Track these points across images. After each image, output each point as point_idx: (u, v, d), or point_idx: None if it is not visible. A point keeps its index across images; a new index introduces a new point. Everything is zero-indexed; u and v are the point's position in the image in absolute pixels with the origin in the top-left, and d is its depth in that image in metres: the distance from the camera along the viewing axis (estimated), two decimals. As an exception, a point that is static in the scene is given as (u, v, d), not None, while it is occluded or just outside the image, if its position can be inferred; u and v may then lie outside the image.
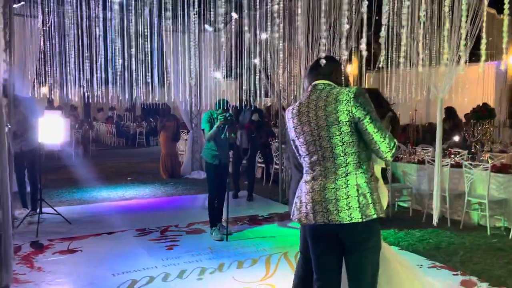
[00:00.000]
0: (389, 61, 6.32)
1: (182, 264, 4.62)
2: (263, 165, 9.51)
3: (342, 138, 2.33)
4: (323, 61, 2.45)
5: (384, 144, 2.30)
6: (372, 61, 6.35)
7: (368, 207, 2.29)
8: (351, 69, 12.58)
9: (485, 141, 6.43)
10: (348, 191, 2.31)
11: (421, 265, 4.53)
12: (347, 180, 2.32)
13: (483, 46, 2.36)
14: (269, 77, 8.32)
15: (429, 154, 7.44)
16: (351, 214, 2.28)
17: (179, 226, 6.05)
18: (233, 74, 9.15)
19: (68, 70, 7.70)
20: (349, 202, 2.29)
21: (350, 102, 2.30)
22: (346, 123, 2.31)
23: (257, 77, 7.69)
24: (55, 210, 6.24)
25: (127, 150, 17.19)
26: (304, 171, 2.52)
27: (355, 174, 2.32)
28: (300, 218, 2.46)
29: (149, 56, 7.32)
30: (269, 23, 7.01)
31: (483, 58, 2.34)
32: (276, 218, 6.53)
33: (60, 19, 7.58)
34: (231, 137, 5.68)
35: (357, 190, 2.30)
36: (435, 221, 5.56)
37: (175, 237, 5.57)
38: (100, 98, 8.59)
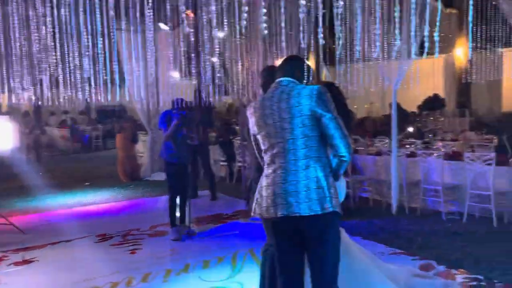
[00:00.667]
0: (345, 55, 6.46)
1: (146, 267, 4.53)
2: (225, 164, 9.46)
3: (304, 131, 2.38)
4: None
5: (343, 141, 2.38)
6: (328, 55, 6.46)
7: (325, 200, 2.35)
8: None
9: (437, 131, 6.69)
10: (308, 183, 2.35)
11: (383, 253, 4.65)
12: (307, 173, 2.37)
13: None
14: (228, 75, 8.31)
15: (386, 145, 7.67)
16: (311, 206, 2.33)
17: (141, 230, 5.92)
18: (191, 73, 9.06)
19: (14, 73, 7.33)
20: (309, 194, 2.34)
21: (313, 98, 2.38)
22: (308, 117, 2.38)
23: (216, 75, 7.67)
24: (7, 220, 5.95)
25: (83, 155, 16.63)
26: (265, 165, 2.53)
27: (315, 167, 2.38)
28: (261, 213, 2.47)
29: (103, 56, 7.12)
30: (225, 20, 7.01)
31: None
32: (240, 215, 6.52)
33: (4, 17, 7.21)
34: (189, 136, 5.62)
35: (316, 182, 2.35)
36: (393, 209, 5.74)
37: (137, 241, 5.44)
38: (49, 101, 8.25)
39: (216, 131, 10.85)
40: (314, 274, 2.46)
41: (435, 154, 6.21)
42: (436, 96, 6.52)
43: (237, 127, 12.09)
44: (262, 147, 2.54)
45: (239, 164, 9.01)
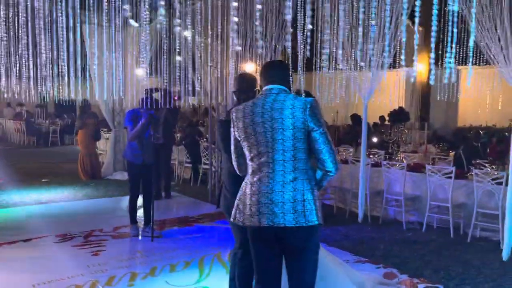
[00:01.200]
0: (313, 64, 6.57)
1: (110, 270, 4.41)
2: (190, 165, 9.37)
3: (295, 144, 2.40)
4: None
5: (332, 157, 2.43)
6: (297, 63, 6.53)
7: (312, 213, 2.39)
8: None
9: (401, 142, 6.93)
10: (295, 195, 2.38)
11: (347, 260, 4.75)
12: (295, 185, 2.39)
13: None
14: (198, 76, 8.24)
15: (350, 154, 7.86)
16: (296, 218, 2.36)
17: (104, 231, 5.76)
18: (157, 71, 8.92)
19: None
20: (295, 206, 2.37)
21: (306, 111, 2.40)
22: (300, 130, 2.40)
23: (181, 75, 7.58)
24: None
25: (39, 150, 15.99)
26: (250, 171, 2.51)
27: (302, 180, 2.41)
28: (243, 220, 2.46)
29: (66, 49, 6.89)
30: (198, 20, 6.97)
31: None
32: (206, 219, 6.48)
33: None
34: (156, 136, 5.51)
35: (303, 195, 2.39)
36: (360, 218, 5.88)
37: (100, 242, 5.29)
38: (3, 92, 7.90)
39: (181, 131, 10.74)
40: (293, 282, 2.49)
41: (398, 165, 6.43)
42: (401, 108, 6.81)
43: (202, 128, 12.03)
44: (248, 154, 2.52)
45: (205, 166, 8.95)
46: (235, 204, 2.55)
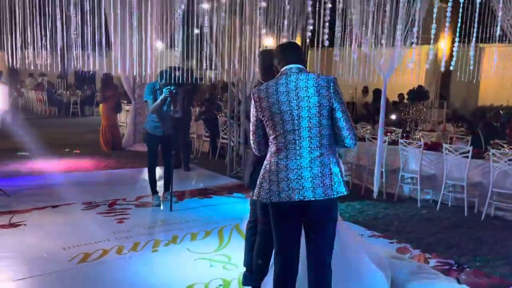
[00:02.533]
0: (334, 40, 6.55)
1: (135, 236, 4.64)
2: (209, 139, 9.54)
3: (321, 120, 2.51)
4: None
5: (352, 133, 2.55)
6: (316, 39, 6.51)
7: (340, 184, 2.52)
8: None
9: (419, 121, 6.95)
10: (323, 170, 2.50)
11: (362, 235, 4.89)
12: (322, 160, 2.51)
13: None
14: (218, 50, 8.28)
15: (368, 132, 7.90)
16: (325, 190, 2.48)
17: (127, 200, 6.00)
18: (178, 44, 8.98)
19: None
20: (323, 180, 2.49)
21: (330, 89, 2.51)
22: (325, 107, 2.51)
23: (203, 48, 7.62)
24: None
25: (60, 120, 16.38)
26: (274, 150, 2.58)
27: (328, 154, 2.53)
28: (270, 197, 2.54)
29: (87, 20, 6.98)
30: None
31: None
32: (224, 191, 6.67)
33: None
34: (175, 110, 5.64)
35: (330, 168, 2.51)
36: (375, 194, 5.99)
37: (124, 211, 5.53)
38: (26, 65, 8.06)
39: (200, 106, 10.87)
40: (312, 253, 2.63)
41: (415, 144, 6.47)
42: (420, 87, 6.80)
43: (220, 103, 12.12)
44: (271, 133, 2.57)
45: (223, 140, 9.11)
46: (258, 183, 2.62)
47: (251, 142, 2.77)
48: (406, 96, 8.68)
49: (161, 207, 5.74)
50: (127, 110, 11.58)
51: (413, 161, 6.53)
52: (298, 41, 13.16)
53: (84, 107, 18.24)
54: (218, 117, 9.54)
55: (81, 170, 7.80)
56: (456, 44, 5.76)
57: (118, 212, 5.48)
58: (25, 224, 4.92)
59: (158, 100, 5.43)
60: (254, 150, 2.81)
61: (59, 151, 9.44)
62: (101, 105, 10.14)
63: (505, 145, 6.46)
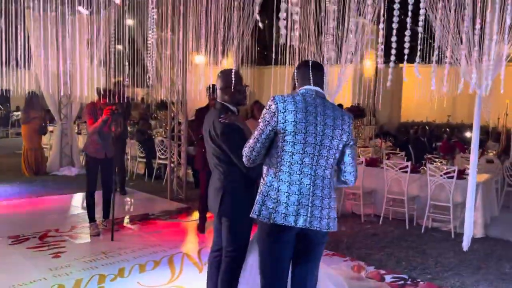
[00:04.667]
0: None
1: (75, 272, 4.19)
2: (144, 160, 9.11)
3: (335, 154, 2.45)
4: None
5: (355, 171, 2.54)
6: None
7: (335, 220, 2.49)
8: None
9: (357, 138, 7.17)
10: (330, 202, 2.44)
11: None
12: (330, 192, 2.45)
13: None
14: (152, 66, 7.98)
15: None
16: (328, 223, 2.42)
17: (60, 230, 5.46)
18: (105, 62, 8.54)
19: None
20: (329, 212, 2.43)
21: (350, 127, 2.49)
22: (343, 142, 2.47)
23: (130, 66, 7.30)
24: None
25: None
26: (286, 169, 2.38)
27: (333, 188, 2.49)
28: (275, 218, 2.37)
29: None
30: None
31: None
32: (169, 216, 6.34)
33: None
34: (117, 130, 5.33)
35: (334, 202, 2.48)
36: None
37: (58, 243, 5.01)
38: None
39: (132, 125, 10.40)
40: (302, 280, 2.54)
41: (358, 160, 6.65)
42: (358, 106, 7.11)
43: (153, 122, 11.71)
44: (288, 149, 2.37)
45: (160, 161, 8.75)
46: (260, 200, 2.42)
47: (248, 150, 2.46)
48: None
49: (101, 237, 5.29)
50: (51, 131, 10.77)
51: (355, 177, 6.68)
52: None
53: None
54: (153, 136, 9.19)
55: (1, 199, 7.01)
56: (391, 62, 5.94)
57: (51, 245, 4.95)
58: None
59: (99, 121, 5.06)
60: (246, 159, 2.49)
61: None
62: (23, 126, 9.28)
63: (436, 159, 6.88)
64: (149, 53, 6.59)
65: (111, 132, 5.24)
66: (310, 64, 2.53)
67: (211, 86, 5.23)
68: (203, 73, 7.97)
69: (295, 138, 2.36)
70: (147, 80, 8.70)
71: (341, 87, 5.48)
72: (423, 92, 11.58)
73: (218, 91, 3.11)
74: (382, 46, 3.48)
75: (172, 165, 7.64)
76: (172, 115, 7.59)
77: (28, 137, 9.09)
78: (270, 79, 7.34)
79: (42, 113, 9.13)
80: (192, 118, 8.75)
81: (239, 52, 6.96)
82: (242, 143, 2.55)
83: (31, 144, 9.09)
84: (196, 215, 6.20)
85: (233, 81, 2.98)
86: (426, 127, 8.67)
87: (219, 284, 3.10)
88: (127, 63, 7.16)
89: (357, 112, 7.10)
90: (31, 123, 8.98)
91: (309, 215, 2.37)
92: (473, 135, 4.25)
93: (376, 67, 12.36)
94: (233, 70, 3.05)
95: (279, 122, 2.36)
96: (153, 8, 4.55)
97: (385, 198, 6.27)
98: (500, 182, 7.41)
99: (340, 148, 2.47)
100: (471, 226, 4.64)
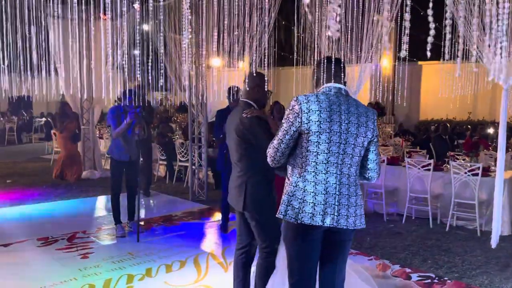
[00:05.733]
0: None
1: (104, 273, 4.28)
2: (165, 163, 9.21)
3: (360, 151, 2.45)
4: None
5: (379, 168, 2.55)
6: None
7: (363, 217, 2.50)
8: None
9: (378, 136, 7.13)
10: (356, 200, 2.45)
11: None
12: (356, 189, 2.47)
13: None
14: (173, 71, 8.10)
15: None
16: (355, 221, 2.43)
17: (88, 232, 5.58)
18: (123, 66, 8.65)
19: None
20: (355, 210, 2.44)
21: (375, 123, 2.48)
22: (368, 139, 2.46)
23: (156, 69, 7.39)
24: None
25: (-5, 148, 15.21)
26: (311, 169, 2.38)
27: (358, 186, 2.51)
28: (301, 218, 2.37)
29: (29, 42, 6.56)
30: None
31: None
32: (190, 217, 6.41)
33: None
34: (141, 133, 5.42)
35: (360, 199, 2.50)
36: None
37: (86, 244, 5.12)
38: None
39: (153, 128, 10.52)
40: (330, 278, 2.57)
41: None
42: (378, 103, 7.06)
43: (173, 125, 11.82)
44: (312, 149, 2.37)
45: (180, 164, 8.85)
46: (286, 200, 2.43)
47: (273, 151, 2.46)
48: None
49: (126, 238, 5.38)
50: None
51: (377, 176, 6.65)
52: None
53: (21, 134, 17.10)
54: (173, 139, 9.29)
55: (30, 203, 7.18)
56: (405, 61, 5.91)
57: (79, 246, 5.06)
58: (-26, 268, 4.39)
59: (123, 124, 5.15)
60: (270, 160, 2.51)
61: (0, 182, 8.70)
62: (58, 135, 9.38)
63: (459, 157, 6.80)
64: (184, 56, 6.71)
65: (135, 135, 5.33)
66: (331, 60, 2.51)
67: (232, 88, 5.29)
68: (221, 76, 8.06)
69: (320, 138, 2.35)
70: (164, 83, 8.82)
71: (361, 86, 5.47)
72: (445, 89, 11.48)
73: (245, 91, 3.17)
74: (406, 45, 3.46)
75: (193, 167, 7.71)
76: (192, 117, 7.66)
77: (63, 144, 9.22)
78: (286, 80, 7.41)
79: (75, 121, 9.19)
80: (212, 120, 8.86)
81: (257, 54, 7.02)
82: (269, 134, 2.65)
83: (67, 151, 9.17)
84: (218, 215, 6.26)
85: (262, 82, 3.12)
86: (447, 124, 8.58)
87: (256, 279, 3.14)
88: (144, 66, 7.26)
89: (377, 110, 7.06)
90: (65, 131, 9.06)
91: (336, 214, 2.38)
92: (500, 132, 4.19)
93: (395, 64, 12.29)
94: (260, 73, 3.16)
95: (303, 123, 2.35)
96: (187, 8, 4.61)
97: (407, 196, 6.23)
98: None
99: (365, 145, 2.46)
100: (499, 223, 4.57)
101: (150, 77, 7.31)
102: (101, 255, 4.78)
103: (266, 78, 3.16)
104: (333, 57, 2.60)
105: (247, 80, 3.14)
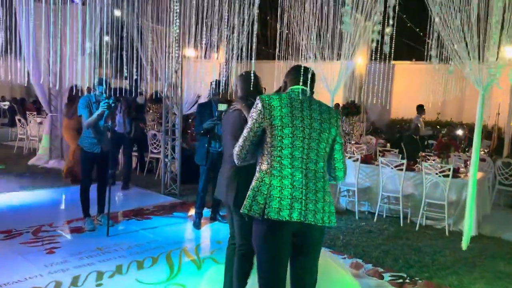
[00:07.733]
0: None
1: (72, 269, 4.11)
2: (136, 154, 9.00)
3: (326, 147, 2.47)
4: None
5: (345, 168, 2.58)
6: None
7: (332, 215, 2.47)
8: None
9: (352, 135, 7.19)
10: (324, 196, 2.43)
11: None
12: (324, 185, 2.44)
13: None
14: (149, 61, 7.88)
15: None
16: (323, 217, 2.40)
17: (54, 225, 5.36)
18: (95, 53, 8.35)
19: None
20: (323, 206, 2.41)
21: (338, 121, 2.54)
22: (332, 136, 2.50)
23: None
24: None
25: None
26: (276, 164, 2.39)
27: (327, 182, 2.49)
28: (268, 213, 2.34)
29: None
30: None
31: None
32: (163, 211, 6.27)
33: None
34: (113, 125, 5.26)
35: (329, 196, 2.47)
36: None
37: (53, 238, 4.92)
38: None
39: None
40: (299, 279, 2.52)
41: (352, 158, 6.66)
42: (353, 102, 7.11)
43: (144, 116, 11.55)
44: (276, 144, 2.40)
45: (152, 155, 8.68)
46: (251, 195, 2.42)
47: (238, 149, 2.51)
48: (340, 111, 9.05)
49: (96, 232, 5.20)
50: (40, 123, 10.58)
51: (350, 174, 6.70)
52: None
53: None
54: (146, 130, 9.08)
55: (-9, 193, 6.85)
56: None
57: (45, 240, 4.85)
58: None
59: (95, 115, 4.96)
60: (236, 158, 2.54)
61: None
62: (65, 120, 8.00)
63: (430, 158, 6.93)
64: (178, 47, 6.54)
65: (107, 126, 5.14)
66: (300, 68, 2.62)
67: (215, 82, 5.20)
68: (197, 67, 7.91)
69: (283, 132, 2.39)
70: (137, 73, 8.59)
71: (341, 83, 5.47)
72: (417, 89, 11.69)
73: (245, 90, 3.28)
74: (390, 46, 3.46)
75: (165, 159, 7.55)
76: (167, 109, 7.48)
77: (72, 136, 7.45)
78: (268, 73, 7.34)
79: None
80: (188, 112, 8.70)
81: (237, 45, 6.93)
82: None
83: (75, 145, 6.90)
84: (191, 210, 6.16)
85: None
86: (418, 124, 8.75)
87: (233, 278, 3.08)
88: (114, 54, 6.97)
89: (352, 109, 7.12)
90: (73, 119, 7.46)
91: (303, 208, 2.36)
92: (475, 134, 4.28)
93: (367, 64, 12.42)
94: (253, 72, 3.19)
95: (265, 118, 2.42)
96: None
97: (379, 195, 6.30)
98: (491, 180, 7.52)
99: (330, 143, 2.50)
100: (471, 224, 4.68)
101: (124, 66, 7.13)
102: (69, 250, 4.60)
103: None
104: (301, 66, 2.68)
105: (247, 80, 3.21)
